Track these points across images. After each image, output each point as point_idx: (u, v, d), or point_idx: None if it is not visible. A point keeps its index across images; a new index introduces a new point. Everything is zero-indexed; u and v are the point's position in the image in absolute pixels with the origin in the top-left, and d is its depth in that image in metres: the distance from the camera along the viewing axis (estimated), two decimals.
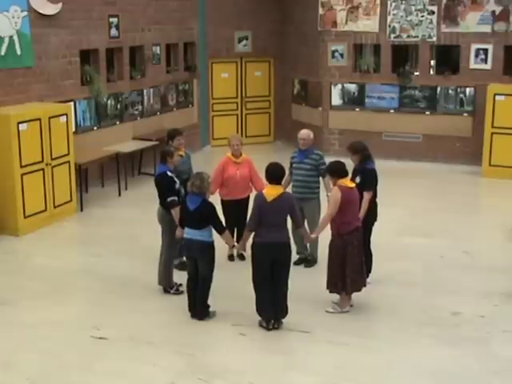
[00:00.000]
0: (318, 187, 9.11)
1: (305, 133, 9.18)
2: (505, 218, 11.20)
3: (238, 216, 9.23)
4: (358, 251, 7.66)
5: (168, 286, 8.31)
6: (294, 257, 8.49)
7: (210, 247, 7.51)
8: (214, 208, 7.54)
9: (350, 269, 7.58)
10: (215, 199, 8.57)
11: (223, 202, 9.38)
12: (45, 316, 7.74)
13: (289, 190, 8.59)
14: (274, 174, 7.29)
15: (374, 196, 8.37)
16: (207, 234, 7.49)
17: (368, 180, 8.22)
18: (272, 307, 7.31)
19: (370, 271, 8.41)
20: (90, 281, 8.85)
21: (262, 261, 7.18)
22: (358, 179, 8.13)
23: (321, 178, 9.05)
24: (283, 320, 7.42)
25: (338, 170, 7.64)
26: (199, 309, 7.58)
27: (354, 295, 8.11)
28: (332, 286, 7.73)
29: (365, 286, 7.86)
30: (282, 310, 7.36)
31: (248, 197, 9.35)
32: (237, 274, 8.73)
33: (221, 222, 7.66)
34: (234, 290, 8.19)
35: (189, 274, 7.68)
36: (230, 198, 9.35)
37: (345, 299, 7.79)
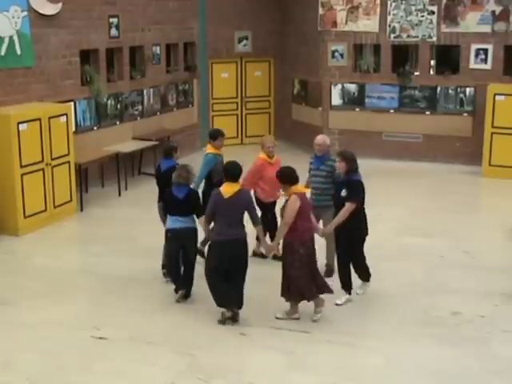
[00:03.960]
0: (331, 194, 8.61)
1: (320, 138, 8.80)
2: (505, 218, 11.20)
3: (274, 216, 9.28)
4: (314, 257, 7.56)
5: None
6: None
7: (196, 232, 7.98)
8: (199, 195, 8.20)
9: (310, 276, 7.41)
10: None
11: (263, 204, 9.19)
12: (45, 316, 7.74)
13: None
14: (231, 171, 7.45)
15: (362, 209, 7.90)
16: (192, 220, 7.95)
17: (354, 191, 7.76)
18: (231, 298, 7.47)
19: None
20: (90, 281, 8.86)
21: (221, 258, 7.35)
22: (343, 192, 7.76)
23: None
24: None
25: (290, 177, 7.44)
26: (189, 287, 8.04)
27: (353, 297, 8.14)
28: (305, 295, 7.49)
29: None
30: (239, 301, 7.49)
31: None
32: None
33: (202, 208, 7.89)
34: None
35: (175, 259, 8.02)
36: (272, 200, 9.28)
37: (295, 306, 7.59)
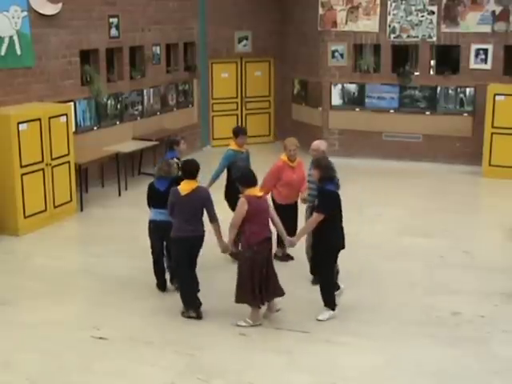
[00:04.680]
0: None
1: (315, 144, 8.54)
2: (505, 218, 11.20)
3: (293, 219, 9.10)
4: (267, 262, 7.40)
5: None
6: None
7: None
8: None
9: (259, 280, 7.34)
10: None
11: (280, 207, 8.87)
12: (45, 316, 7.74)
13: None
14: (188, 169, 7.60)
15: (336, 221, 7.55)
16: None
17: (323, 201, 7.45)
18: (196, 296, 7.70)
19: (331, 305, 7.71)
20: (89, 281, 8.86)
21: (181, 254, 7.58)
22: (316, 202, 7.62)
23: None
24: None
25: (246, 179, 7.44)
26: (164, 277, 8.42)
27: (353, 298, 8.14)
28: (241, 298, 7.44)
29: (281, 295, 7.55)
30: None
31: (297, 201, 9.23)
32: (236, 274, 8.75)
33: None
34: (233, 291, 8.17)
35: (157, 255, 8.31)
36: (288, 203, 9.06)
37: (255, 312, 7.47)
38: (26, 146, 10.34)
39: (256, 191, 7.44)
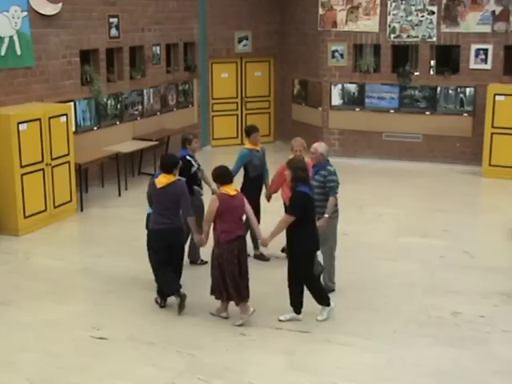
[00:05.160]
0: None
1: (313, 146, 8.23)
2: (505, 218, 11.20)
3: None
4: (238, 260, 7.38)
5: (195, 259, 9.18)
6: None
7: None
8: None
9: (230, 278, 7.35)
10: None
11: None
12: (45, 316, 7.74)
13: None
14: (165, 163, 7.75)
15: (309, 223, 7.38)
16: None
17: (293, 202, 7.33)
18: (175, 285, 7.76)
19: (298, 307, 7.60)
20: (90, 281, 8.86)
21: (158, 246, 7.69)
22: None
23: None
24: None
25: (220, 176, 7.46)
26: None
27: (353, 298, 8.14)
28: (214, 293, 7.54)
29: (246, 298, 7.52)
30: (176, 285, 7.78)
31: None
32: None
33: None
34: None
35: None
36: None
37: (223, 305, 7.59)
38: (26, 146, 10.34)
39: (230, 189, 7.42)
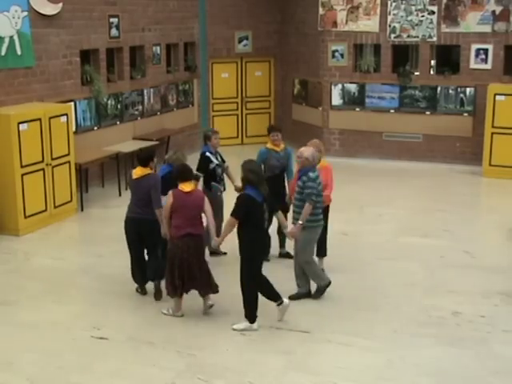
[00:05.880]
0: (312, 214, 7.80)
1: (300, 150, 7.95)
2: (505, 218, 11.21)
3: None
4: (188, 257, 7.41)
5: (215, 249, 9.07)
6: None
7: None
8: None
9: (179, 273, 7.43)
10: None
11: None
12: (45, 316, 7.74)
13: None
14: (140, 158, 8.28)
15: (257, 228, 7.24)
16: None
17: (236, 204, 7.24)
18: (142, 272, 8.18)
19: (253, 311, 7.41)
20: (90, 281, 8.86)
21: (128, 232, 8.14)
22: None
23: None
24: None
25: (178, 173, 7.63)
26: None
27: (353, 297, 8.14)
28: (167, 289, 7.64)
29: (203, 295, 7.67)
30: (156, 272, 8.04)
31: (327, 207, 8.62)
32: (235, 273, 8.76)
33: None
34: (233, 290, 8.16)
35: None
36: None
37: (177, 303, 7.63)
38: (26, 145, 10.34)
39: (187, 186, 7.51)
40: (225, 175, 9.52)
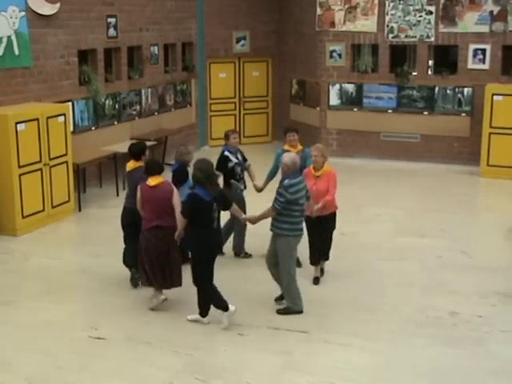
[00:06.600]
0: (287, 222, 7.52)
1: (283, 156, 7.75)
2: (502, 218, 11.22)
3: (320, 234, 8.55)
4: (156, 249, 7.63)
5: (239, 252, 9.50)
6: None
7: None
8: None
9: (149, 264, 7.71)
10: None
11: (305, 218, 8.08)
12: (43, 316, 7.73)
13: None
14: (133, 151, 8.66)
15: (203, 227, 7.24)
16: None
17: (183, 202, 7.37)
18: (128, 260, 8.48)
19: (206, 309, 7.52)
20: (88, 281, 8.86)
21: (122, 220, 8.52)
22: None
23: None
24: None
25: (146, 168, 7.90)
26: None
27: (352, 298, 8.14)
28: (142, 277, 8.09)
29: (168, 288, 7.85)
30: (135, 260, 8.04)
31: (331, 214, 8.54)
32: (235, 273, 8.76)
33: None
34: (233, 289, 8.16)
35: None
36: (307, 214, 8.02)
37: (156, 292, 7.90)
38: (23, 146, 10.34)
39: (153, 180, 7.70)
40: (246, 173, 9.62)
